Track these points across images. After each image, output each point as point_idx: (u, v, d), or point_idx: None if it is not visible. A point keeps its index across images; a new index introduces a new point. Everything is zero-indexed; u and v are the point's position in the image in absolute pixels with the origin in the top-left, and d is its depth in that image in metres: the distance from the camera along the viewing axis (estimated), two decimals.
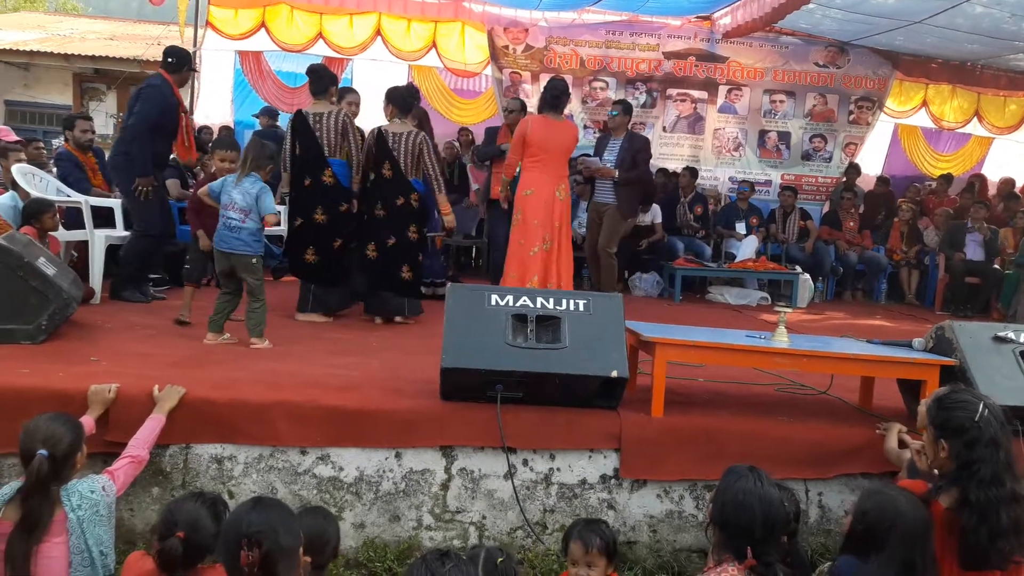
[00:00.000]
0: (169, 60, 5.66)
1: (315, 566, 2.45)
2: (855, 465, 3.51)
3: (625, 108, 7.13)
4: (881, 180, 10.26)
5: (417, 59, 10.21)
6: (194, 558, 2.36)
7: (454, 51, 10.11)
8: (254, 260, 4.45)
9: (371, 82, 9.90)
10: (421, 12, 9.80)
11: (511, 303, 3.49)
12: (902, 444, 3.33)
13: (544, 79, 9.79)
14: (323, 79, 5.60)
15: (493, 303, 3.48)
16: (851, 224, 9.39)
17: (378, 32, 9.96)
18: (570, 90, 6.02)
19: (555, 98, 5.82)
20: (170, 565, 2.33)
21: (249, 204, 4.39)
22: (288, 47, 9.97)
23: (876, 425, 3.55)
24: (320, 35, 9.96)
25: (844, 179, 9.95)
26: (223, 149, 4.81)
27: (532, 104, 9.80)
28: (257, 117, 9.27)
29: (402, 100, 5.63)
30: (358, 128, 5.65)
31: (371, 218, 5.50)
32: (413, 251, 5.51)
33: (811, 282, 8.39)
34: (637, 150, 6.91)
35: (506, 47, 9.77)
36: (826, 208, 10.04)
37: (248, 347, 4.41)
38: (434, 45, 10.07)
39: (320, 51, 10.06)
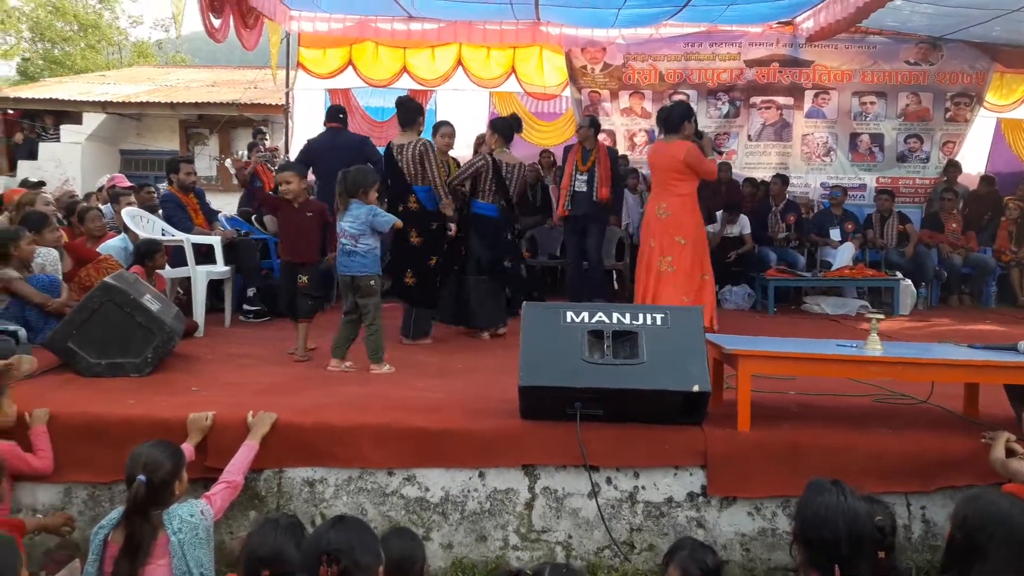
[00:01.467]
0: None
1: None
2: (960, 477, 3.33)
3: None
4: (985, 179, 9.72)
5: (497, 86, 10.38)
6: None
7: (533, 75, 10.23)
8: (372, 281, 4.61)
9: (454, 112, 10.14)
10: (500, 39, 9.95)
11: (587, 319, 3.49)
12: (1011, 453, 3.14)
13: (623, 96, 9.85)
14: (409, 111, 5.82)
15: (568, 320, 3.49)
16: (954, 226, 8.92)
17: (459, 62, 10.18)
18: (688, 108, 5.89)
19: (662, 121, 5.81)
20: None
21: (359, 229, 4.56)
22: (374, 83, 10.31)
23: (982, 434, 3.36)
24: (404, 69, 10.26)
25: (944, 179, 9.47)
26: (280, 171, 5.11)
27: (612, 122, 9.86)
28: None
29: (508, 130, 6.08)
30: (449, 157, 6.04)
31: (503, 242, 6.01)
32: (415, 257, 5.65)
33: (913, 288, 8.00)
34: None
35: (584, 67, 9.81)
36: (925, 210, 9.57)
37: (368, 372, 4.57)
38: (513, 71, 10.21)
39: (405, 84, 10.35)
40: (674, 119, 5.65)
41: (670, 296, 5.48)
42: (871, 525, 2.30)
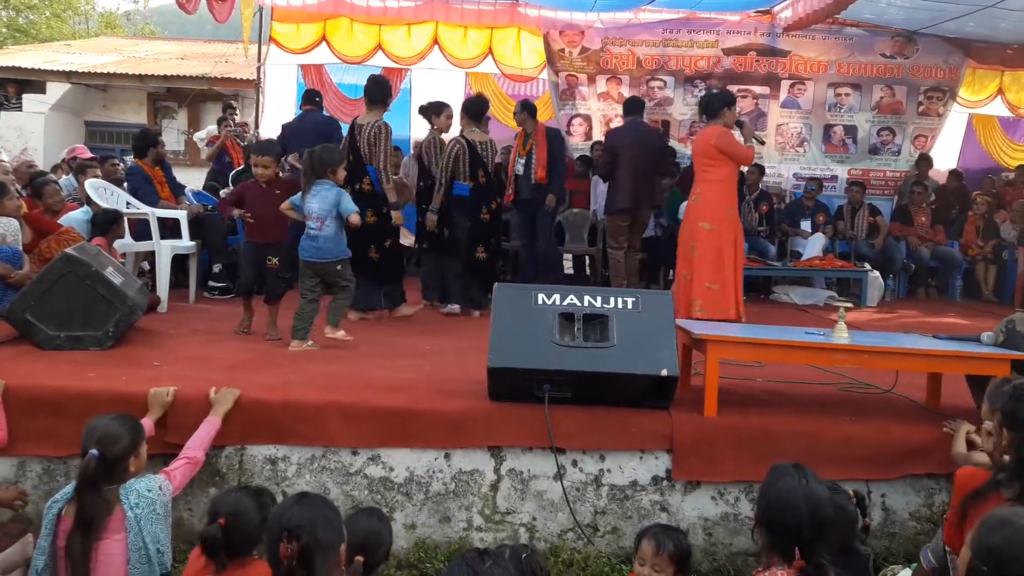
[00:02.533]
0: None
1: (367, 566, 2.46)
2: (921, 465, 3.38)
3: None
4: (954, 174, 9.83)
5: (474, 66, 10.26)
6: (238, 546, 2.41)
7: (510, 57, 10.14)
8: (338, 266, 4.57)
9: (429, 91, 10.02)
10: (477, 19, 9.84)
11: (558, 301, 3.47)
12: (971, 445, 3.17)
13: (601, 81, 9.80)
14: (376, 91, 5.81)
15: (540, 302, 3.46)
16: (923, 219, 9.03)
17: (435, 41, 10.05)
18: (730, 95, 5.86)
19: (703, 106, 5.91)
20: (212, 551, 2.39)
21: (326, 210, 4.48)
22: (348, 59, 10.15)
23: (944, 424, 3.40)
24: (379, 46, 10.10)
25: (915, 172, 9.57)
26: (258, 154, 4.91)
27: (589, 107, 9.82)
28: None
29: (480, 108, 6.27)
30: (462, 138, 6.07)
31: (475, 223, 5.99)
32: (373, 234, 5.59)
33: (881, 280, 8.08)
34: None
35: (562, 50, 9.74)
36: (895, 203, 9.68)
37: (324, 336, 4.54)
38: (490, 51, 10.10)
39: (379, 62, 10.20)
40: (715, 105, 5.66)
41: (698, 282, 5.47)
42: (833, 509, 2.30)
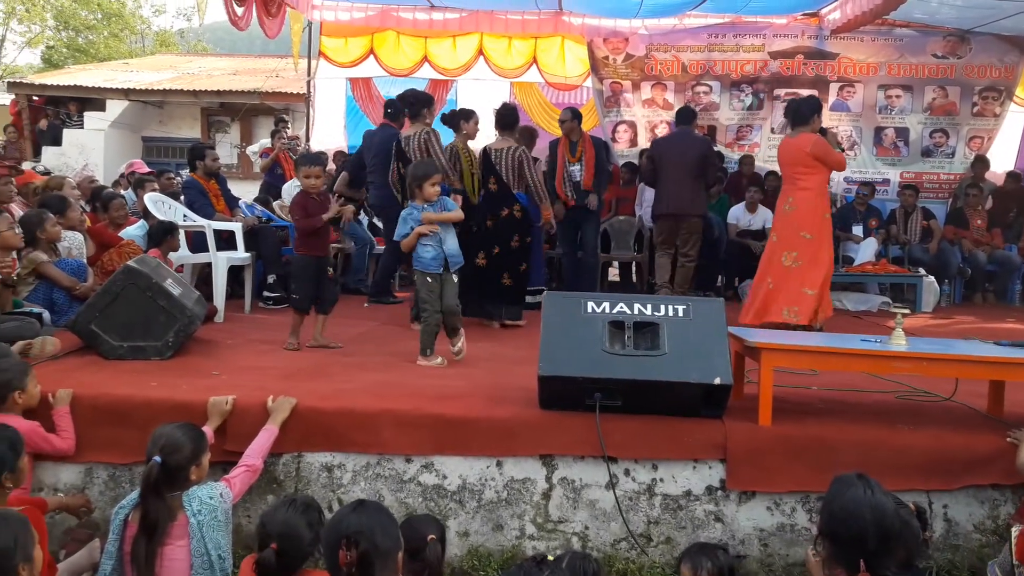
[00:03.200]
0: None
1: (283, 559, 2.45)
2: (984, 476, 3.28)
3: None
4: (1012, 176, 9.55)
5: (518, 76, 10.33)
6: (291, 565, 2.44)
7: (554, 65, 10.17)
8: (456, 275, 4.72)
9: (475, 101, 10.10)
10: (522, 29, 9.91)
11: (607, 310, 3.47)
12: None
13: (645, 87, 9.78)
14: (415, 103, 6.08)
15: (589, 310, 3.47)
16: (979, 222, 8.79)
17: (480, 52, 10.15)
18: (818, 102, 6.04)
19: (791, 113, 5.87)
20: (266, 574, 2.41)
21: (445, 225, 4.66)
22: (395, 72, 10.29)
23: (1007, 433, 3.31)
24: (425, 58, 10.24)
25: (971, 175, 9.33)
26: (307, 164, 4.90)
27: (633, 113, 9.79)
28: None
29: (501, 118, 6.18)
30: (464, 148, 6.10)
31: (480, 229, 5.93)
32: (515, 260, 5.87)
33: (936, 285, 7.89)
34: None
35: (606, 57, 9.75)
36: (950, 206, 9.45)
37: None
38: (535, 61, 10.16)
39: (426, 74, 10.34)
40: (804, 112, 5.67)
41: (792, 290, 5.47)
42: (899, 521, 2.25)
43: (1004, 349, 3.55)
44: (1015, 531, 2.45)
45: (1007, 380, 3.62)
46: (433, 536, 2.56)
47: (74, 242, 5.21)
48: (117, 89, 14.58)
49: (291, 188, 8.25)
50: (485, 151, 6.02)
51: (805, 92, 9.53)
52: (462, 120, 6.33)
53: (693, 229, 7.31)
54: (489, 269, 5.88)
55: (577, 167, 7.18)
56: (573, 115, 7.38)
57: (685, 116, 7.48)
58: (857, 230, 8.67)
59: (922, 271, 7.88)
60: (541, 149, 8.80)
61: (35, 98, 14.96)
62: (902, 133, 9.63)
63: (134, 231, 5.97)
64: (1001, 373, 3.51)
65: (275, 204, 7.62)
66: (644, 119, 9.87)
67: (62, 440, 3.38)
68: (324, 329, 4.93)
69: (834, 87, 9.62)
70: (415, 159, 5.70)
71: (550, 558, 2.10)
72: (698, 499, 3.37)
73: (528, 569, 2.01)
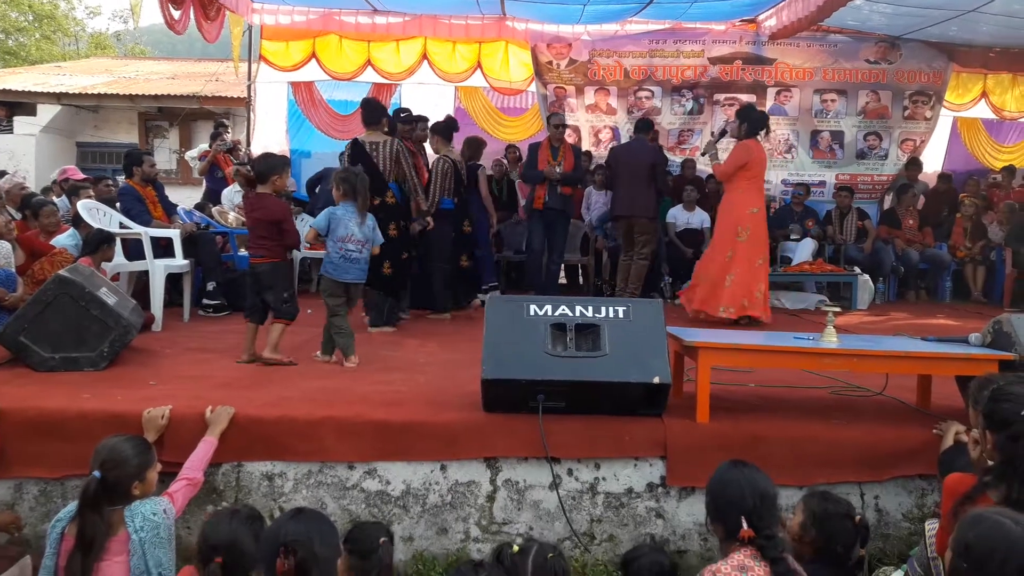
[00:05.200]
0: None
1: (227, 570, 2.46)
2: (912, 467, 3.40)
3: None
4: (943, 177, 9.93)
5: (463, 80, 10.34)
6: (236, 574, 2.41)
7: (499, 70, 10.22)
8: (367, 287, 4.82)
9: (419, 106, 10.07)
10: (465, 34, 9.93)
11: (550, 312, 3.50)
12: (960, 445, 3.21)
13: (589, 92, 9.88)
14: (376, 111, 6.05)
15: (532, 313, 3.49)
16: (911, 222, 9.11)
17: (424, 56, 10.13)
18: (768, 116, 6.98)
19: (762, 123, 6.46)
20: None
21: (368, 236, 4.68)
22: (338, 76, 10.21)
23: (934, 426, 3.44)
24: (368, 62, 10.18)
25: (906, 175, 9.64)
26: (287, 165, 4.75)
27: (577, 118, 9.88)
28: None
29: (447, 130, 6.56)
30: (412, 154, 6.20)
31: (459, 235, 6.35)
32: (393, 248, 5.73)
33: (871, 283, 8.15)
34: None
35: (550, 63, 9.83)
36: (880, 206, 9.76)
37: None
38: (479, 65, 10.19)
39: (369, 78, 10.28)
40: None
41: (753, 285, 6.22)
42: (773, 488, 2.40)
43: (931, 345, 3.70)
44: (929, 526, 2.56)
45: (934, 374, 3.76)
46: (385, 539, 2.56)
47: (2, 251, 5.03)
48: (49, 93, 14.14)
49: (231, 193, 8.13)
50: (358, 142, 5.93)
51: (744, 97, 9.85)
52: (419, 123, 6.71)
53: (644, 230, 7.45)
54: (473, 268, 6.28)
55: (558, 169, 7.40)
56: (563, 121, 7.78)
57: (642, 126, 7.71)
58: (795, 230, 8.89)
59: (857, 270, 8.12)
60: (492, 151, 8.87)
61: None
62: (837, 136, 9.93)
63: (65, 239, 5.80)
64: (928, 368, 3.64)
65: (214, 210, 7.49)
66: (588, 124, 9.97)
67: None
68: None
69: (771, 92, 9.86)
70: (384, 164, 5.84)
71: (515, 548, 2.13)
72: (639, 496, 3.41)
73: (465, 573, 2.02)
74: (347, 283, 4.68)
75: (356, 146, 5.87)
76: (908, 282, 9.07)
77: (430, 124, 6.73)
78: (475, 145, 7.38)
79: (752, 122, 6.36)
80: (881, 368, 3.68)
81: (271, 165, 4.56)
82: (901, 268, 8.88)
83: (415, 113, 7.07)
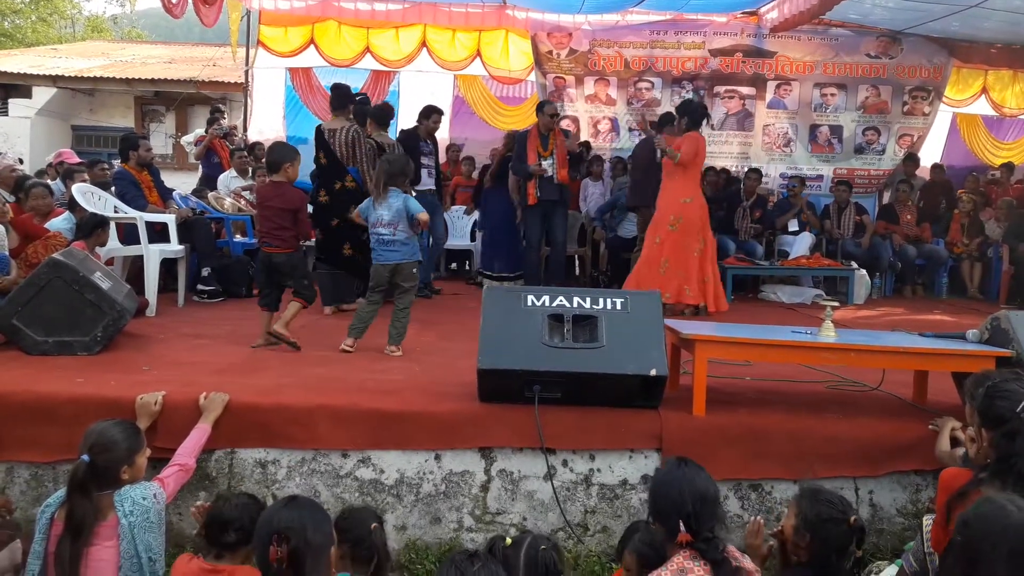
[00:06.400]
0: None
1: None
2: (907, 462, 3.40)
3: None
4: (936, 167, 9.89)
5: (462, 68, 10.30)
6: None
7: (498, 59, 10.18)
8: (414, 268, 4.66)
9: (418, 93, 10.05)
10: (465, 22, 9.87)
11: (547, 303, 3.48)
12: (955, 442, 3.20)
13: (588, 82, 9.84)
14: (342, 97, 6.14)
15: (529, 303, 3.47)
16: (908, 217, 9.09)
17: (423, 44, 10.08)
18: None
19: (702, 118, 6.57)
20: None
21: (396, 216, 4.56)
22: (336, 62, 10.16)
23: (930, 421, 3.43)
24: (367, 49, 10.13)
25: (902, 170, 9.64)
26: (297, 154, 4.80)
27: (576, 108, 9.84)
28: None
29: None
30: (371, 140, 6.20)
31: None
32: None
33: (868, 278, 8.14)
34: None
35: (550, 52, 9.77)
36: (878, 201, 9.75)
37: (383, 352, 4.56)
38: (478, 54, 10.15)
39: (368, 65, 10.24)
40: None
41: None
42: (713, 487, 2.40)
43: (928, 340, 3.68)
44: (927, 521, 2.54)
45: (930, 370, 3.76)
46: (376, 524, 2.54)
47: None
48: (45, 76, 14.04)
49: (227, 179, 8.08)
50: (319, 129, 6.07)
51: (744, 90, 9.82)
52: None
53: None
54: (329, 240, 5.95)
55: (549, 161, 7.18)
56: (557, 111, 7.65)
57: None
58: (792, 224, 8.88)
59: (854, 265, 8.11)
60: (491, 139, 8.81)
61: None
62: (836, 130, 9.91)
63: (60, 223, 5.76)
64: (925, 363, 3.64)
65: (210, 195, 7.44)
66: (587, 114, 9.94)
67: None
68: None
69: (772, 85, 9.84)
70: (340, 151, 5.88)
71: (508, 540, 2.11)
72: (634, 488, 3.41)
73: (459, 562, 2.00)
74: (385, 265, 4.61)
75: (317, 133, 6.04)
76: (905, 277, 9.05)
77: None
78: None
79: (693, 115, 6.48)
80: (878, 363, 3.67)
81: (282, 154, 4.69)
82: (898, 263, 8.87)
83: (428, 104, 7.20)
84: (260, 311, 4.72)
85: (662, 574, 2.26)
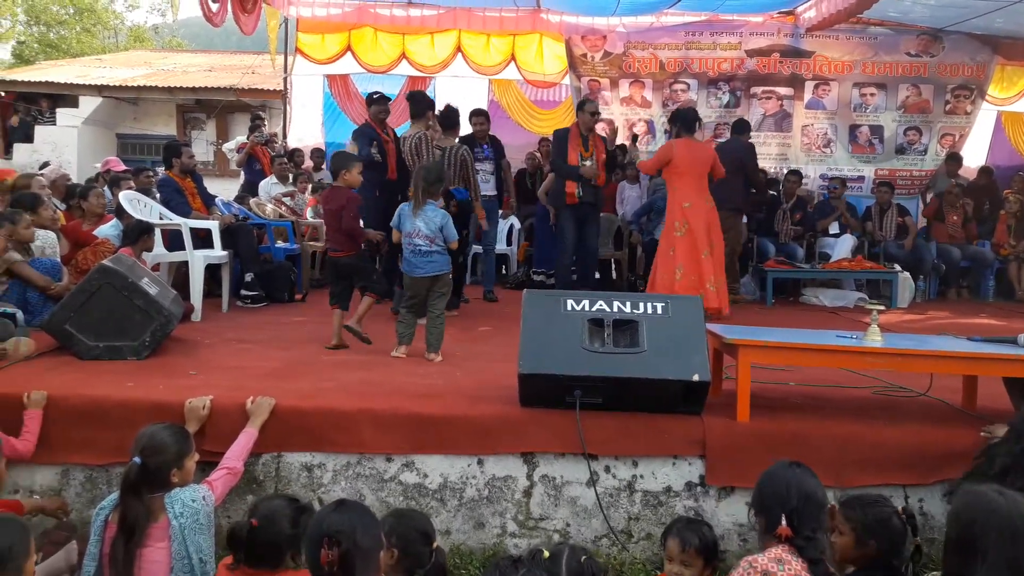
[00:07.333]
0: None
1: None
2: (958, 470, 3.30)
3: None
4: (984, 171, 9.70)
5: (497, 73, 10.35)
6: (262, 551, 2.51)
7: (532, 63, 10.20)
8: (449, 276, 4.77)
9: (453, 98, 10.08)
10: (500, 26, 9.91)
11: (587, 308, 3.48)
12: None
13: (623, 85, 9.81)
14: (419, 104, 6.29)
15: (569, 308, 3.47)
16: (955, 218, 8.91)
17: (458, 49, 10.15)
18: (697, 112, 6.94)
19: (693, 121, 6.58)
20: (234, 546, 2.52)
21: (433, 232, 4.62)
22: (373, 69, 10.27)
23: (982, 429, 3.36)
24: (403, 55, 10.22)
25: (945, 170, 9.45)
26: (357, 161, 5.01)
27: (611, 111, 9.81)
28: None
29: (444, 119, 6.44)
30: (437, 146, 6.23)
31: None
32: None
33: (911, 281, 8.00)
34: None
35: (584, 55, 9.77)
36: (921, 203, 9.58)
37: (423, 359, 4.59)
38: (513, 58, 10.18)
39: (404, 71, 10.33)
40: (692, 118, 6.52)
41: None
42: (823, 492, 2.39)
43: (978, 344, 3.61)
44: None
45: (980, 375, 3.68)
46: (437, 544, 2.54)
47: (48, 241, 5.13)
48: (90, 85, 14.37)
49: (267, 185, 8.20)
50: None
51: (781, 90, 9.73)
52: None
53: (724, 222, 7.38)
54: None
55: (589, 162, 7.05)
56: (597, 109, 7.54)
57: (737, 127, 7.96)
58: (833, 226, 8.76)
59: (897, 267, 7.98)
60: (525, 144, 8.80)
61: (2, 94, 14.69)
62: (876, 130, 9.76)
63: (108, 230, 5.90)
64: (975, 368, 3.56)
65: (252, 202, 7.56)
66: (622, 116, 9.91)
67: (22, 443, 3.31)
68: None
69: (809, 85, 9.72)
70: (409, 160, 5.98)
71: (546, 554, 2.11)
72: (678, 495, 3.39)
73: (504, 568, 2.01)
74: (423, 278, 4.65)
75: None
76: (949, 280, 8.89)
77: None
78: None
79: (683, 120, 6.56)
80: (926, 368, 3.61)
81: (337, 162, 4.95)
82: (942, 266, 8.70)
83: (452, 106, 7.06)
84: (333, 310, 4.91)
85: (758, 559, 2.28)
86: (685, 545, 2.65)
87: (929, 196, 9.67)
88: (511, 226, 9.07)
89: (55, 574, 3.01)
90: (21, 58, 24.60)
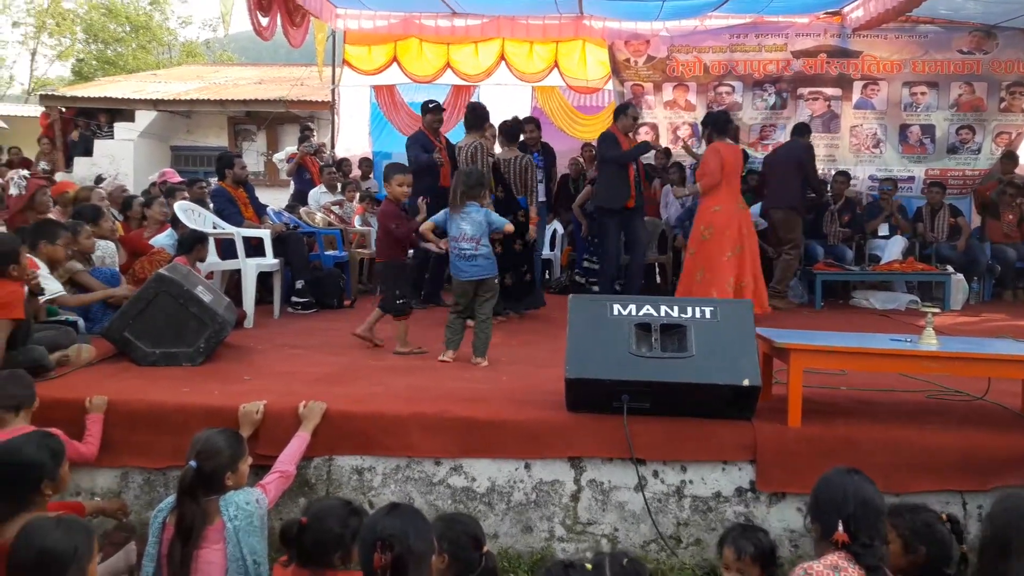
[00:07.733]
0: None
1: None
2: (1018, 476, 3.24)
3: None
4: None
5: (540, 80, 10.38)
6: (312, 550, 2.52)
7: (575, 69, 10.21)
8: (496, 280, 4.81)
9: (497, 106, 10.14)
10: (543, 34, 9.95)
11: (634, 312, 3.47)
12: None
13: (667, 89, 9.75)
14: (477, 118, 6.44)
15: (616, 313, 3.47)
16: (1010, 217, 8.66)
17: (502, 57, 10.20)
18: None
19: (726, 123, 6.63)
20: (285, 541, 2.55)
21: (478, 230, 4.65)
22: (418, 79, 10.38)
23: None
24: (448, 64, 10.31)
25: (1000, 169, 9.19)
26: (401, 173, 5.01)
27: (655, 115, 9.76)
28: None
29: (506, 130, 6.60)
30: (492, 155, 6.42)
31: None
32: (517, 261, 6.20)
33: (965, 283, 7.80)
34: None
35: (627, 60, 9.73)
36: (973, 203, 9.32)
37: (470, 363, 4.63)
38: (556, 65, 10.20)
39: (448, 80, 10.43)
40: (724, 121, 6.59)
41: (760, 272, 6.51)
42: (881, 500, 2.36)
43: None
44: None
45: None
46: (487, 548, 2.56)
47: (107, 251, 5.31)
48: (146, 100, 14.80)
49: (317, 194, 8.35)
50: (494, 161, 6.24)
51: (829, 91, 9.56)
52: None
53: (785, 223, 7.52)
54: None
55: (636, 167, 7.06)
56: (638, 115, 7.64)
57: (797, 130, 7.97)
58: (883, 228, 8.58)
59: (950, 269, 7.78)
60: (569, 149, 8.79)
61: (63, 110, 15.19)
62: (928, 130, 9.52)
63: (163, 239, 6.07)
64: None
65: (302, 211, 7.70)
66: (666, 121, 9.84)
67: (86, 446, 3.43)
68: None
69: (858, 85, 9.54)
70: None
71: (588, 566, 2.09)
72: (728, 501, 3.36)
73: (556, 572, 2.02)
74: (470, 282, 4.69)
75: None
76: (1004, 281, 8.62)
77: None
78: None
79: (716, 124, 6.56)
80: (984, 372, 3.53)
81: (385, 173, 5.13)
82: (997, 267, 8.46)
83: (479, 104, 7.25)
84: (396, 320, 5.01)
85: (814, 567, 2.26)
86: (740, 553, 2.64)
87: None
88: (554, 231, 9.08)
89: (115, 574, 3.11)
90: (80, 75, 25.41)
